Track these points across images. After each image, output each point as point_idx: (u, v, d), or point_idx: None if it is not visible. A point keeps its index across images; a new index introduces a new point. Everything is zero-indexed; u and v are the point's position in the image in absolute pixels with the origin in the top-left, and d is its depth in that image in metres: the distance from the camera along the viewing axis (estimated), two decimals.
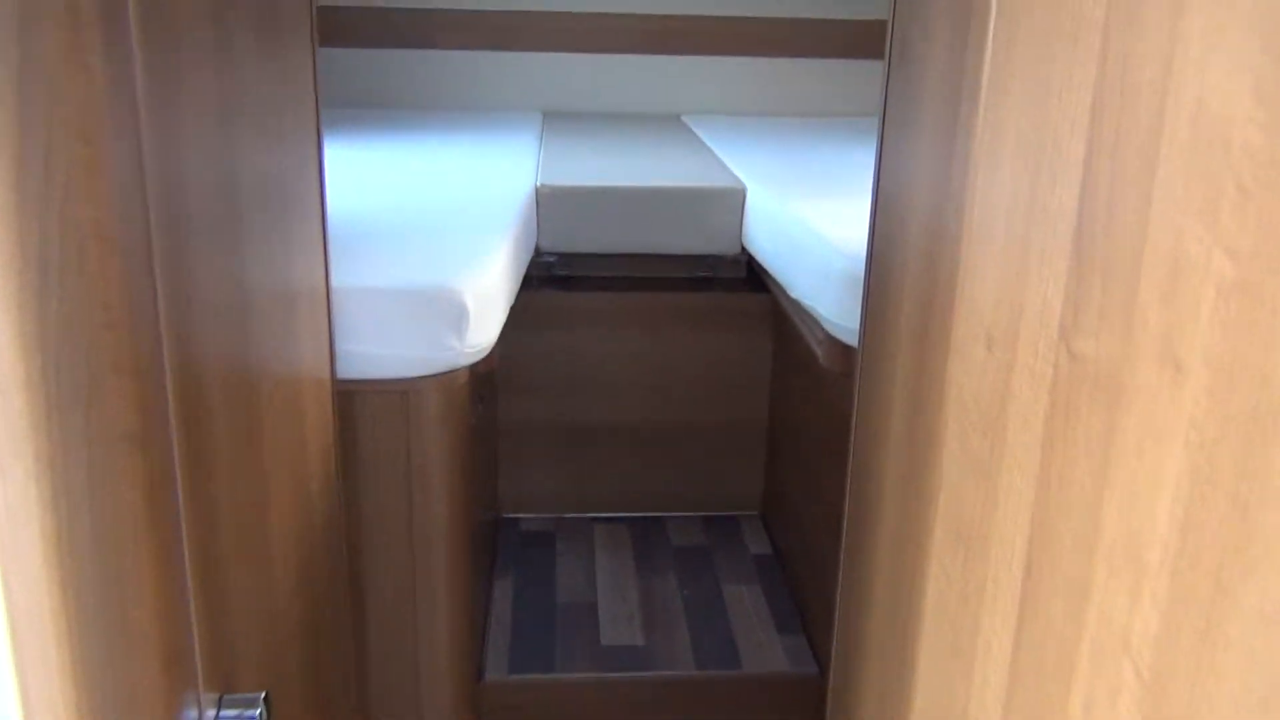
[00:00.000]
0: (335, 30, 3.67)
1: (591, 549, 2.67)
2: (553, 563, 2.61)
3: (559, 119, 3.66)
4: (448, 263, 1.82)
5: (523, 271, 2.25)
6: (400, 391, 1.69)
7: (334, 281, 1.57)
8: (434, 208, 2.24)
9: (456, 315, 1.69)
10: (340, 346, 1.61)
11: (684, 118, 3.78)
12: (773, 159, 2.93)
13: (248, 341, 1.08)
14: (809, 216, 2.17)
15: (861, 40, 3.84)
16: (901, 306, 1.15)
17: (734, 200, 2.55)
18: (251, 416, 1.09)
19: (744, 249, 2.59)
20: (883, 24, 1.25)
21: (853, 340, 1.70)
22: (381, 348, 1.64)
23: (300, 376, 1.34)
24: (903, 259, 1.15)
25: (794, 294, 2.14)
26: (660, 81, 3.85)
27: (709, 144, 3.21)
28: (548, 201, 2.51)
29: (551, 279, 2.64)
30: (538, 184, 2.53)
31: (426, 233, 2.04)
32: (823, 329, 1.97)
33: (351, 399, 1.67)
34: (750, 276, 2.67)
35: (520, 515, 2.76)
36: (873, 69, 4.09)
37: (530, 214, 2.43)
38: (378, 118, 3.47)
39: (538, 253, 2.54)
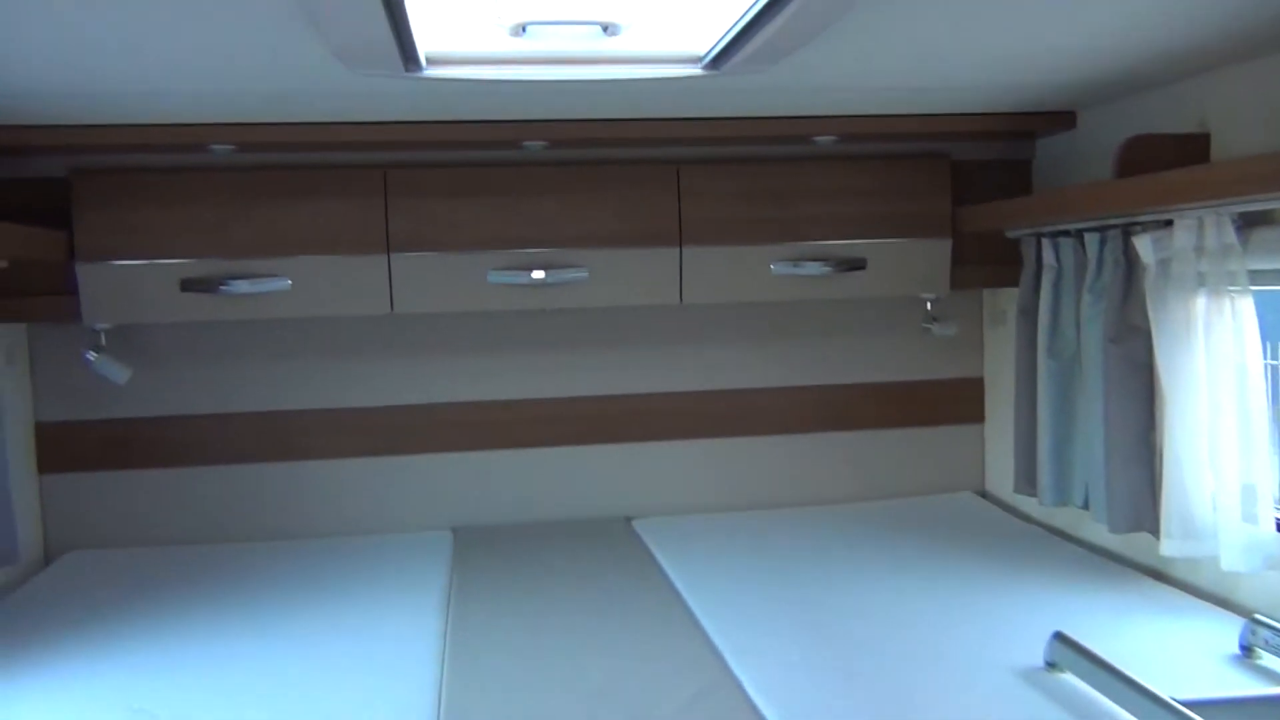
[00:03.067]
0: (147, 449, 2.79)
1: None
2: None
3: (474, 544, 2.73)
4: None
5: None
6: None
7: None
8: None
9: None
10: None
11: (635, 523, 2.89)
12: (791, 640, 1.98)
13: None
14: None
15: (841, 410, 3.06)
16: None
17: None
18: None
19: None
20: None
21: None
22: None
23: None
24: None
25: None
26: (599, 477, 2.99)
27: (681, 590, 2.28)
28: None
29: None
30: None
31: None
32: None
33: None
34: None
35: None
36: (853, 442, 3.10)
37: None
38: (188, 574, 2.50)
39: None
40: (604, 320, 2.94)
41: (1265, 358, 2.00)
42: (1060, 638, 1.77)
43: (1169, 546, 2.10)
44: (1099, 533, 2.46)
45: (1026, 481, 2.63)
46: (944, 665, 1.83)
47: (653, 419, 2.99)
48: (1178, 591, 2.21)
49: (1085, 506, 2.43)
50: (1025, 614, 2.04)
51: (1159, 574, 2.31)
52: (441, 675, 1.86)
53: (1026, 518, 2.83)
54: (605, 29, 1.65)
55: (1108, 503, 2.28)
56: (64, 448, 2.76)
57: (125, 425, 2.79)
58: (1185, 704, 1.50)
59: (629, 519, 2.93)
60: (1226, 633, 1.91)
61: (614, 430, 2.98)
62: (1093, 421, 2.34)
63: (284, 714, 1.75)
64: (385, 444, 2.89)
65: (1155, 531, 2.19)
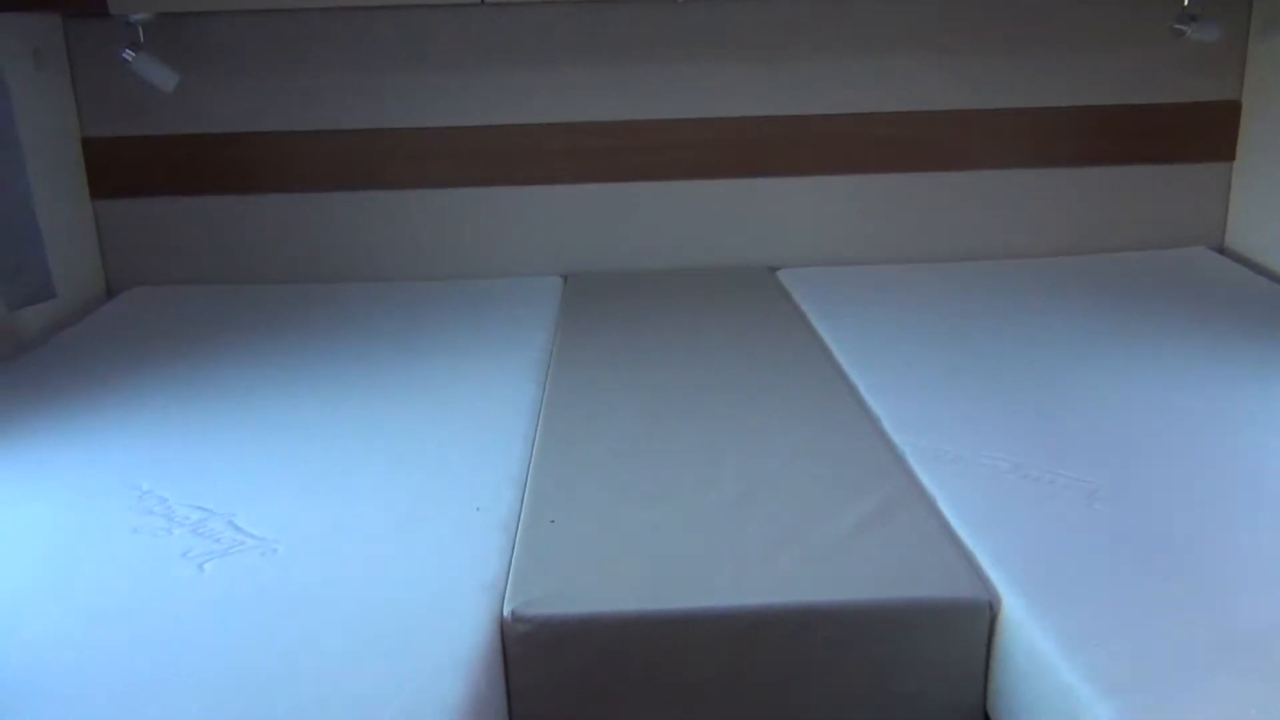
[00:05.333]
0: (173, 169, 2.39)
1: None
2: None
3: (586, 294, 2.29)
4: None
5: None
6: None
7: None
8: None
9: None
10: None
11: (781, 274, 2.38)
12: (999, 441, 1.49)
13: None
14: None
15: (1045, 140, 2.42)
16: None
17: (971, 627, 1.13)
18: None
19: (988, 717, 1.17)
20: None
21: None
22: None
23: None
24: None
25: None
26: (738, 217, 2.46)
27: (844, 364, 1.80)
28: (523, 646, 1.12)
29: None
30: (506, 613, 1.14)
31: None
32: None
33: None
34: None
35: None
36: (1058, 181, 2.42)
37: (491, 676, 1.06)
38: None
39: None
40: (747, 17, 2.33)
41: None
42: None
43: None
44: None
45: None
46: (1222, 485, 1.32)
47: (807, 148, 2.41)
48: None
49: None
50: None
51: None
52: (527, 474, 1.45)
53: None
54: None
55: None
56: (119, 169, 2.38)
57: (187, 142, 2.37)
58: None
59: (773, 269, 2.43)
60: None
61: (758, 161, 2.42)
62: None
63: (352, 486, 1.41)
64: (481, 173, 2.42)
65: None
